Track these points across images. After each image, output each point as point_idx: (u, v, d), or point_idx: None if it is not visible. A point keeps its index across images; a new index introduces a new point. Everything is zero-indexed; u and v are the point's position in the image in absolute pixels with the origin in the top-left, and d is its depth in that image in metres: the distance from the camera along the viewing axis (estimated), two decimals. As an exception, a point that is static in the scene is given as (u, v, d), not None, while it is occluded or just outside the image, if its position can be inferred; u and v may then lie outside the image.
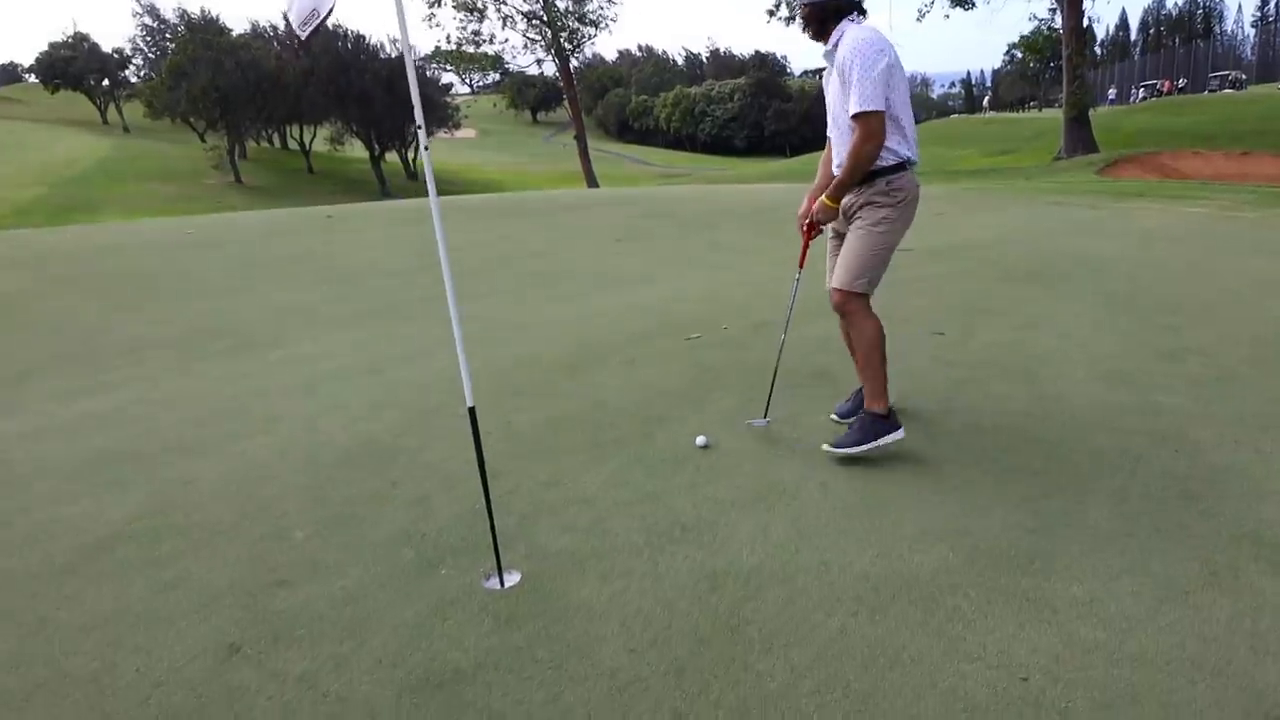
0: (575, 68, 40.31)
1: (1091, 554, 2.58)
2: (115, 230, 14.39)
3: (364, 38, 63.50)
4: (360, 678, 2.17)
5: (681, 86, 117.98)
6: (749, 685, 2.07)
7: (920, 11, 27.95)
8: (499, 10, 34.91)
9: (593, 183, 37.13)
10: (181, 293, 8.03)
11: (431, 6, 33.73)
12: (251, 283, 8.44)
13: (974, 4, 27.62)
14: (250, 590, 2.60)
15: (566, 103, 43.03)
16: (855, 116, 3.05)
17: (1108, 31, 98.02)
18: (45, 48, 75.81)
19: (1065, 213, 11.51)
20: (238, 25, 71.49)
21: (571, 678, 2.13)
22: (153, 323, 6.78)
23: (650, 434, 3.75)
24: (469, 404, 2.64)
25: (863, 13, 3.21)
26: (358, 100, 59.22)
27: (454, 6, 34.42)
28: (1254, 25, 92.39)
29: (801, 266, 3.65)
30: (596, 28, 36.51)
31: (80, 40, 74.87)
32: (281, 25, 58.37)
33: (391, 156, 68.12)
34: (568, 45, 36.52)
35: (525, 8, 35.16)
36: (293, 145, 71.17)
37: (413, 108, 2.49)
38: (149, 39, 73.92)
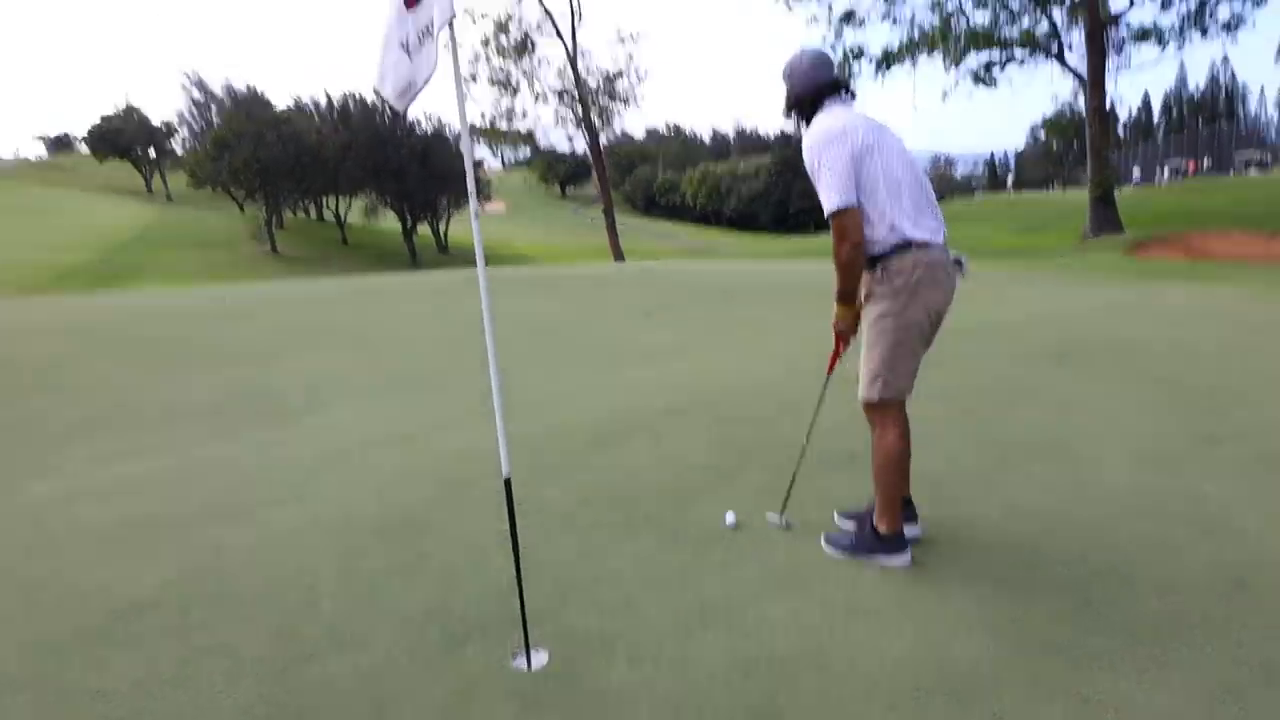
0: (604, 144, 41.33)
1: (1138, 647, 2.49)
2: (154, 296, 14.76)
3: (400, 113, 65.66)
4: (386, 759, 2.12)
5: (708, 164, 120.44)
6: (785, 779, 2.00)
7: (944, 92, 28.45)
8: (532, 87, 36.07)
9: (619, 256, 37.66)
10: (217, 360, 8.18)
11: (466, 83, 34.95)
12: (284, 351, 8.58)
13: (995, 83, 28.09)
14: (277, 662, 2.58)
15: (595, 178, 43.98)
16: (828, 218, 2.88)
17: (1130, 113, 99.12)
18: (98, 120, 79.19)
19: (1094, 293, 11.48)
20: (281, 100, 74.41)
21: (601, 765, 2.07)
22: (187, 389, 6.89)
23: (681, 511, 3.72)
24: (505, 474, 2.65)
25: (849, 93, 3.03)
26: (394, 174, 60.93)
27: (489, 82, 35.63)
28: (1277, 106, 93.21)
29: (829, 372, 3.37)
30: (626, 104, 37.55)
31: (131, 112, 78.18)
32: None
33: (423, 229, 69.67)
34: (598, 121, 37.55)
35: (557, 85, 36.33)
36: (328, 216, 73.11)
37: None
38: (195, 111, 77.06)
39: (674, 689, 2.38)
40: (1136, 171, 63.50)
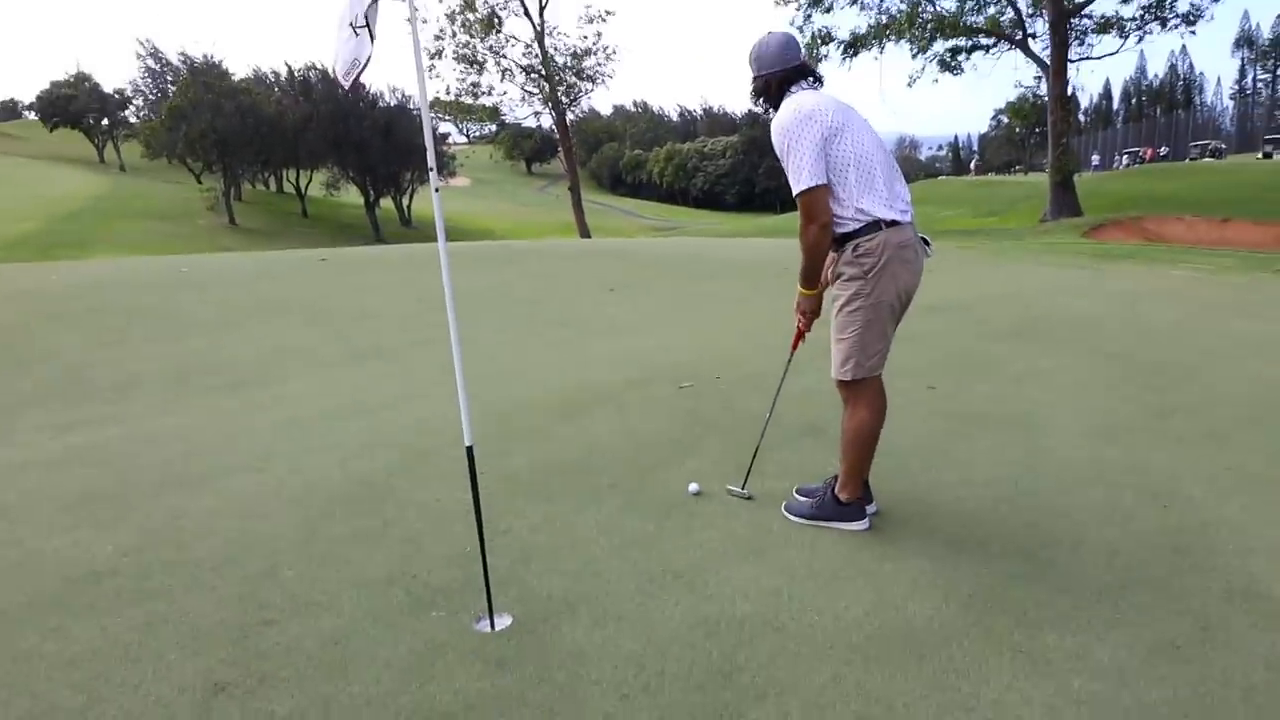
0: (571, 121, 40.96)
1: (1085, 606, 2.58)
2: (106, 266, 14.38)
3: (364, 85, 64.60)
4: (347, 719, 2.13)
5: (674, 142, 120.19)
6: (744, 732, 2.05)
7: (911, 77, 28.63)
8: (498, 63, 35.57)
9: (585, 233, 37.48)
10: (173, 330, 8.02)
11: (432, 58, 34.33)
12: (243, 322, 8.44)
13: (961, 69, 28.36)
14: (238, 628, 2.56)
15: (561, 155, 43.62)
16: (796, 198, 2.88)
17: (1091, 100, 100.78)
18: (47, 86, 76.75)
19: (1052, 273, 11.70)
20: (240, 70, 72.59)
21: (564, 721, 2.10)
22: (143, 359, 6.75)
23: (643, 480, 3.75)
24: (467, 443, 2.65)
25: (816, 78, 3.05)
26: (355, 147, 59.94)
27: (454, 58, 35.06)
28: (1232, 98, 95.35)
29: (792, 352, 3.45)
30: (593, 83, 37.22)
31: (82, 80, 75.81)
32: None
33: (385, 203, 68.71)
34: (564, 99, 37.17)
35: (524, 62, 35.85)
36: (288, 189, 71.73)
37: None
38: (150, 80, 74.81)
39: (636, 648, 2.42)
40: (1096, 157, 64.59)
